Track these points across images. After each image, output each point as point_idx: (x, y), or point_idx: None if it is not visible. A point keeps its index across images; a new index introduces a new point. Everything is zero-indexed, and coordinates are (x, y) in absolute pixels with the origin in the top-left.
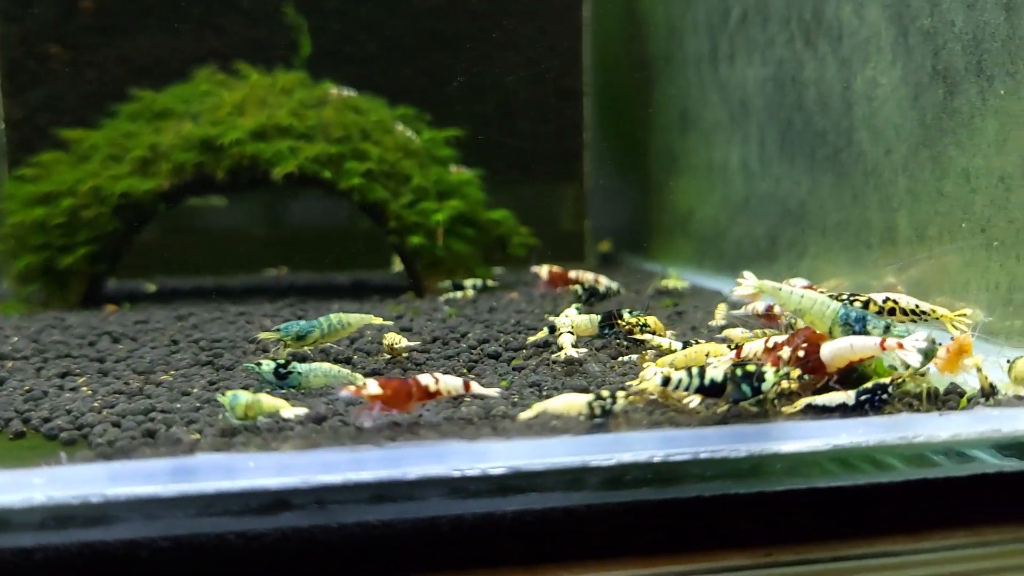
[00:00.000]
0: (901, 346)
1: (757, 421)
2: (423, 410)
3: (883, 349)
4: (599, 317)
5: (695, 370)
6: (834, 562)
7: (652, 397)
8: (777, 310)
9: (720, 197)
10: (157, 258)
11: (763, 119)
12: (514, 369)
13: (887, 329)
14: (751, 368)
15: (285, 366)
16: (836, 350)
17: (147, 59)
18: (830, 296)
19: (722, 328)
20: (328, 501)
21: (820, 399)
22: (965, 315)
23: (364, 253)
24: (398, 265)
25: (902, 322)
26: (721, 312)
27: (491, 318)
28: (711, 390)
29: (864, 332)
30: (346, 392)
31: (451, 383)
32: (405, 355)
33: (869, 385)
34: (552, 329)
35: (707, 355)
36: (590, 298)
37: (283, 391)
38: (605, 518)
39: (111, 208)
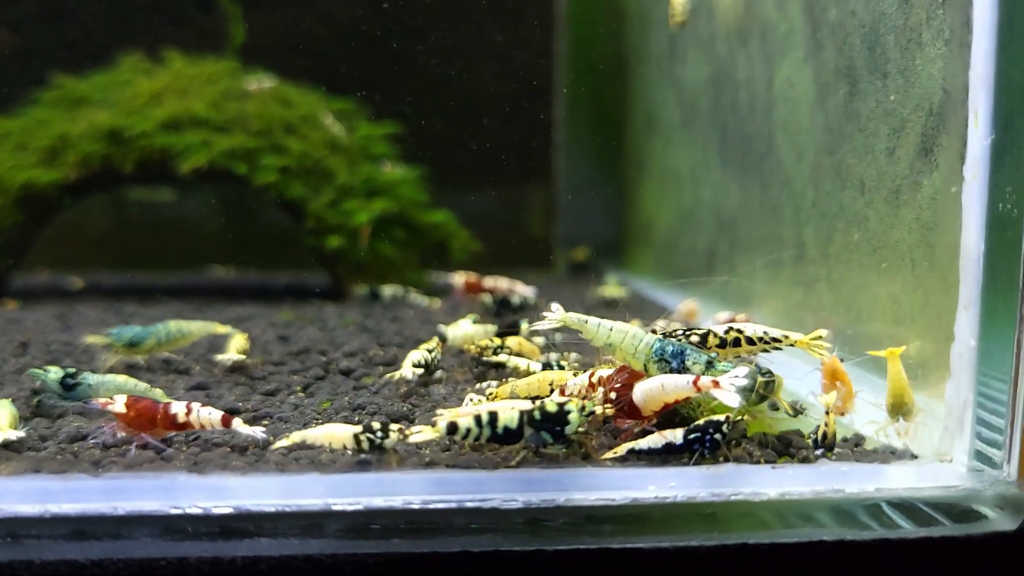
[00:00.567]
0: (717, 384)
1: (554, 466)
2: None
3: (697, 389)
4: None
5: (485, 417)
6: None
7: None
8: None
9: (673, 205)
10: (102, 251)
11: (706, 122)
12: (355, 388)
13: (710, 365)
14: (551, 409)
15: (74, 376)
16: (647, 391)
17: (90, 45)
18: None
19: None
20: (22, 535)
21: (643, 442)
22: (821, 337)
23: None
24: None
25: (752, 353)
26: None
27: (384, 328)
28: (505, 438)
29: (683, 369)
30: (96, 403)
31: (206, 417)
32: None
33: (701, 422)
34: (443, 339)
35: (551, 384)
36: (500, 309)
37: (69, 404)
38: (351, 572)
39: (11, 200)
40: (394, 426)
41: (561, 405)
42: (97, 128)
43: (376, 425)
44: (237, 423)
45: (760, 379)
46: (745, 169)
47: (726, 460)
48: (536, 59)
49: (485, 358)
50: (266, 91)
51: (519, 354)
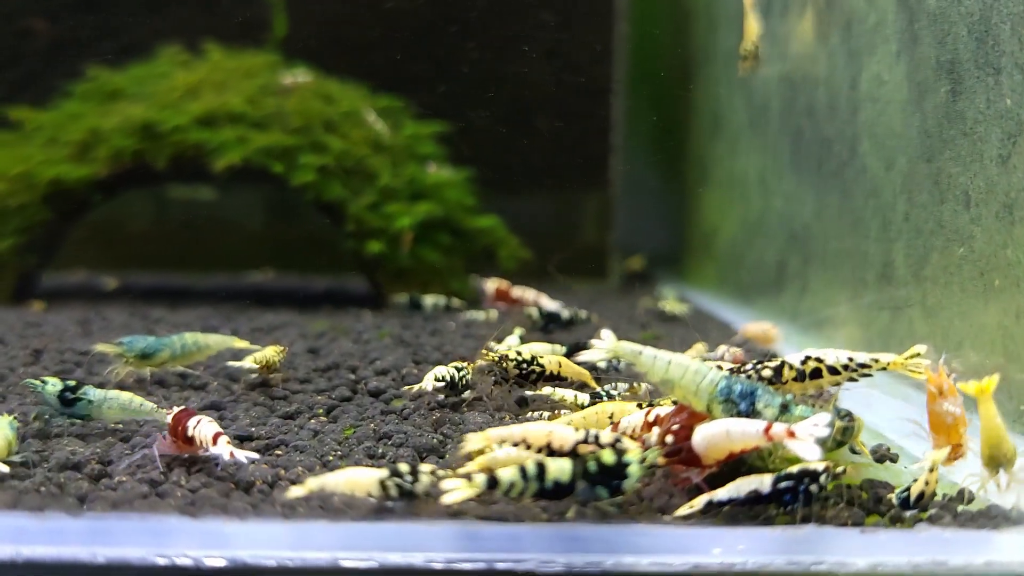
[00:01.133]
0: (792, 435)
1: (611, 521)
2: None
3: (769, 439)
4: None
5: (532, 468)
6: None
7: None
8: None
9: (739, 214)
10: (139, 250)
11: (778, 125)
12: (383, 413)
13: (785, 409)
14: (609, 461)
15: (75, 390)
16: (710, 438)
17: (129, 35)
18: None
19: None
20: None
21: (723, 491)
22: (919, 355)
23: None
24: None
25: (837, 384)
26: (695, 352)
27: (423, 342)
28: (555, 493)
29: (753, 411)
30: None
31: (204, 432)
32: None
33: (794, 470)
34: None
35: (611, 417)
36: (548, 324)
37: (67, 420)
38: None
39: (40, 196)
40: (424, 467)
41: (620, 456)
42: (130, 122)
43: (404, 468)
44: (221, 443)
45: (838, 423)
46: (822, 177)
47: (805, 520)
48: (594, 56)
49: (507, 368)
50: (302, 86)
51: (560, 376)
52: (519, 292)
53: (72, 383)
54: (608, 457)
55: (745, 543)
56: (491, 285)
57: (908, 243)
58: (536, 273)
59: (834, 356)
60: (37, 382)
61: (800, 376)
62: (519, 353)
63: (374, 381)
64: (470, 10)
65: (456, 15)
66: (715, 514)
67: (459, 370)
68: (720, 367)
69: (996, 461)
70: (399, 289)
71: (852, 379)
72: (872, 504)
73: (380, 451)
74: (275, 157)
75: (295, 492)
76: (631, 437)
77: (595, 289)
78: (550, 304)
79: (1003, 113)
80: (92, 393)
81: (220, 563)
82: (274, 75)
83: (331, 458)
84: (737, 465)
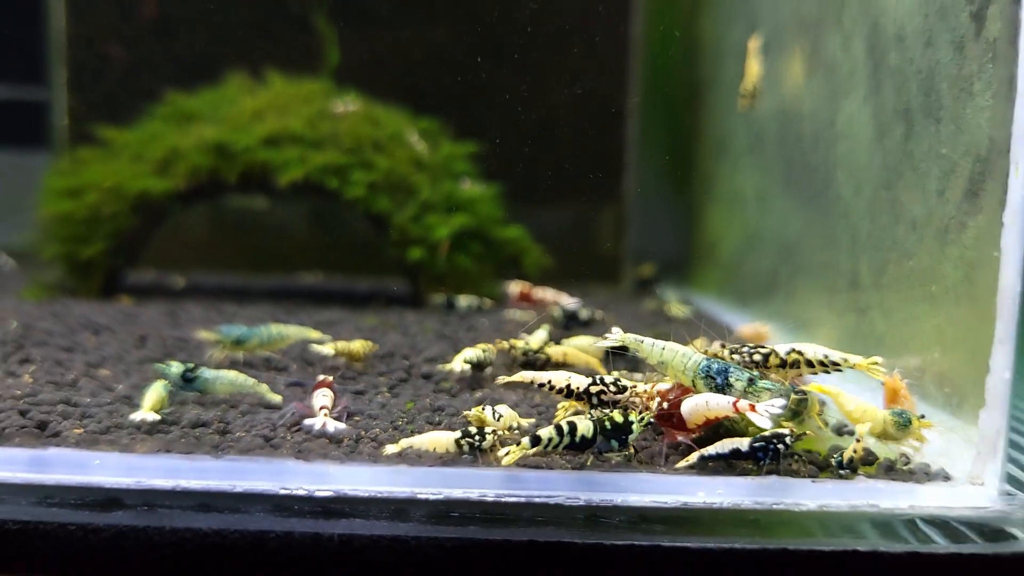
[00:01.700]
0: (753, 408)
1: (614, 469)
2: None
3: (736, 411)
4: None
5: (565, 427)
6: None
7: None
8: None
9: (738, 228)
10: (200, 253)
11: (772, 151)
12: (435, 391)
13: (751, 382)
14: (619, 419)
15: (193, 370)
16: (693, 406)
17: (197, 62)
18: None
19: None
20: (157, 505)
21: (712, 448)
22: (877, 363)
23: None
24: None
25: (813, 374)
26: (697, 346)
27: (461, 337)
28: (581, 445)
29: (727, 385)
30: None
31: (315, 402)
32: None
33: (768, 433)
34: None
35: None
36: (568, 323)
37: (188, 394)
38: (432, 553)
39: (129, 206)
40: (488, 430)
41: (626, 415)
42: (206, 142)
43: (473, 430)
44: (320, 415)
45: (794, 396)
46: (808, 199)
47: (771, 473)
48: (611, 83)
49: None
50: (351, 113)
51: (567, 363)
52: (540, 293)
53: (191, 365)
54: (618, 417)
55: (723, 488)
56: (514, 287)
57: (870, 257)
58: (556, 277)
59: (813, 351)
60: (163, 366)
61: (783, 364)
62: (527, 343)
63: (424, 367)
64: (501, 42)
65: (488, 47)
66: (703, 467)
67: (484, 352)
68: (707, 352)
69: (885, 434)
70: (437, 291)
71: (826, 372)
72: (825, 464)
73: (437, 419)
74: (331, 174)
75: (390, 449)
76: (643, 402)
77: (609, 292)
78: (570, 304)
79: (940, 156)
80: (207, 373)
81: (328, 493)
82: (328, 101)
83: (400, 423)
84: (716, 429)
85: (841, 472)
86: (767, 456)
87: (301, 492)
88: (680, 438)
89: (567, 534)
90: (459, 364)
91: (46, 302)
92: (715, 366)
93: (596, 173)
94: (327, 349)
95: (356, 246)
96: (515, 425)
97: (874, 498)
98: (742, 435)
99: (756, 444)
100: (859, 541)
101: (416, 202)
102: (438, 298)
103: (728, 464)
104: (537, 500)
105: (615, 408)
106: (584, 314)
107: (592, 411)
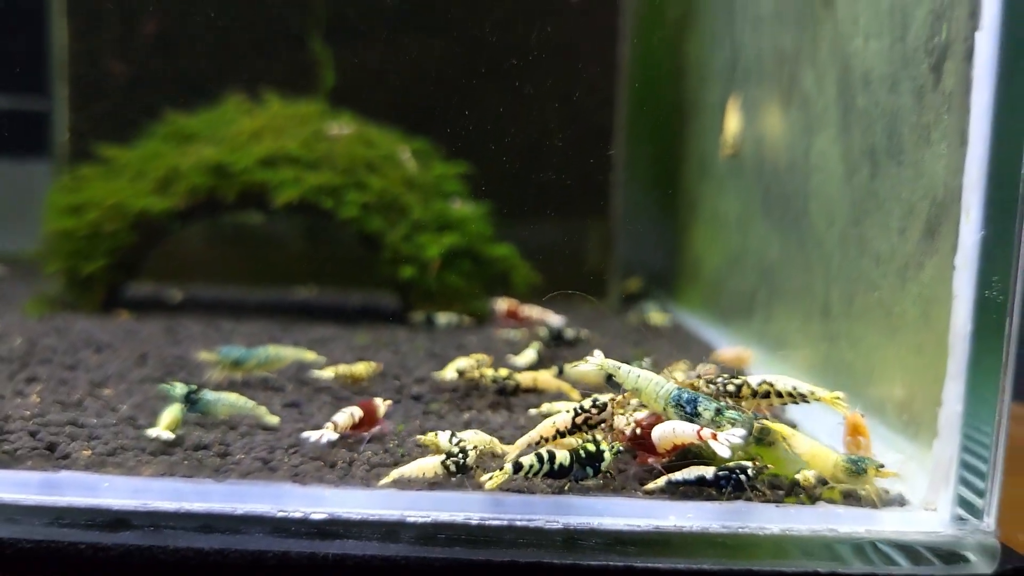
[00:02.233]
0: (715, 437)
1: (590, 494)
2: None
3: (699, 438)
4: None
5: (545, 455)
6: None
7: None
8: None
9: (721, 248)
10: (198, 266)
11: (752, 176)
12: (424, 413)
13: (719, 412)
14: (592, 449)
15: (196, 392)
16: (662, 432)
17: (197, 80)
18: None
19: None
20: (162, 526)
21: (679, 474)
22: (840, 397)
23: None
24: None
25: (782, 404)
26: (679, 370)
27: (451, 355)
28: (560, 473)
29: (695, 414)
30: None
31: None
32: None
33: (732, 464)
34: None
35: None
36: (554, 341)
37: (190, 416)
38: (420, 571)
39: (129, 223)
40: (470, 446)
41: (597, 445)
42: (205, 162)
43: (455, 450)
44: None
45: (756, 425)
46: (785, 225)
47: (739, 499)
48: (598, 103)
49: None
50: (345, 136)
51: (536, 390)
52: (527, 311)
53: (194, 386)
54: (591, 447)
55: (693, 512)
56: (502, 305)
57: (841, 287)
58: (543, 293)
59: (783, 383)
60: (168, 387)
61: (754, 394)
62: (495, 370)
63: (415, 388)
64: (492, 65)
65: (480, 70)
66: (673, 491)
67: (478, 362)
68: (679, 380)
69: (835, 479)
70: (429, 308)
71: (794, 403)
72: (790, 489)
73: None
74: (326, 194)
75: (384, 481)
76: (619, 430)
77: (596, 308)
78: (555, 321)
79: (901, 197)
80: (209, 395)
81: (323, 516)
82: (323, 122)
83: (391, 446)
84: (684, 454)
85: (813, 496)
86: (730, 484)
87: (298, 515)
88: (651, 461)
89: (546, 555)
90: (451, 373)
91: (47, 317)
92: (685, 395)
93: (583, 191)
94: (327, 374)
95: (350, 261)
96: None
97: (833, 523)
98: (710, 460)
99: (720, 473)
100: (819, 563)
101: (408, 221)
102: (418, 316)
103: (697, 491)
104: (519, 523)
105: (601, 426)
106: (569, 333)
107: (579, 436)
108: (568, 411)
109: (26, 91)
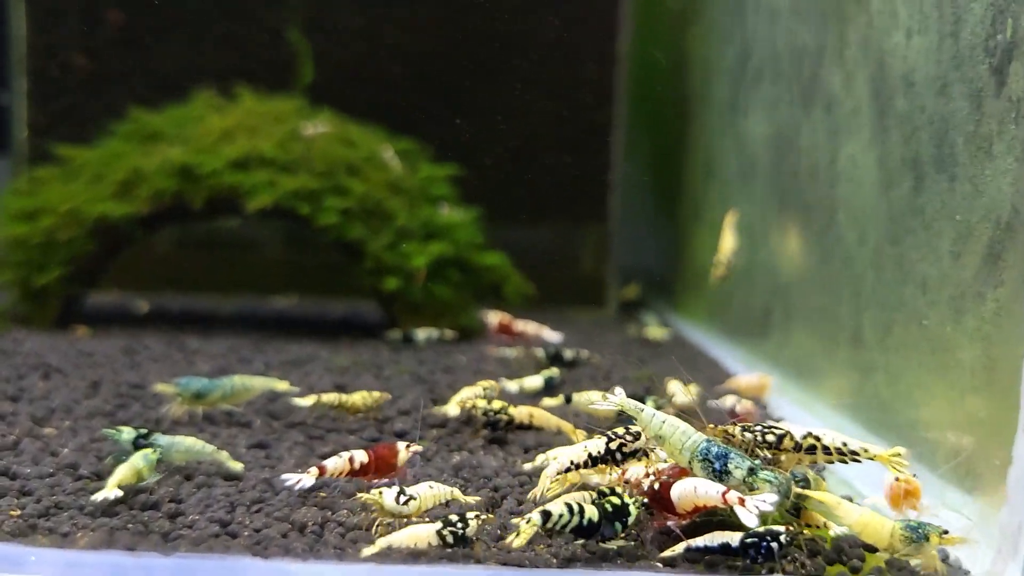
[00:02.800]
0: (742, 502)
1: (607, 567)
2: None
3: (724, 502)
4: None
5: (575, 505)
6: None
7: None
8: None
9: None
10: (167, 271)
11: (766, 181)
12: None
13: (752, 472)
14: (616, 502)
15: (146, 436)
16: (683, 491)
17: (166, 75)
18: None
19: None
20: None
21: (700, 540)
22: (899, 455)
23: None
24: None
25: (828, 462)
26: (692, 393)
27: (438, 379)
28: (587, 530)
29: (725, 472)
30: None
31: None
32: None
33: (761, 530)
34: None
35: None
36: (552, 363)
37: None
38: None
39: (86, 230)
40: (471, 514)
41: (622, 499)
42: (170, 164)
43: (454, 517)
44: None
45: (794, 487)
46: (806, 239)
47: (771, 572)
48: (596, 99)
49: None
50: (322, 135)
51: (534, 426)
52: (521, 325)
53: (144, 431)
54: (615, 500)
55: None
56: (494, 318)
57: (875, 313)
58: (538, 302)
59: (831, 438)
60: (113, 432)
61: (797, 448)
62: (488, 403)
63: (399, 423)
64: (482, 58)
65: (469, 63)
66: (694, 559)
67: (485, 390)
68: (714, 426)
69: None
70: (415, 321)
71: (843, 462)
72: (836, 556)
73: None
74: (302, 199)
75: (368, 551)
76: (633, 484)
77: (593, 317)
78: (552, 337)
79: (954, 216)
80: (161, 440)
81: None
82: (301, 120)
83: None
84: (709, 516)
85: (864, 565)
86: (759, 554)
87: None
88: (669, 523)
89: None
90: (454, 408)
91: None
92: (715, 449)
93: (578, 193)
94: (306, 402)
95: (330, 268)
96: (442, 503)
97: None
98: (737, 524)
99: (748, 540)
100: None
101: (392, 228)
102: (394, 334)
103: (724, 560)
104: None
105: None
106: (569, 354)
107: (589, 491)
108: (600, 436)
109: None
